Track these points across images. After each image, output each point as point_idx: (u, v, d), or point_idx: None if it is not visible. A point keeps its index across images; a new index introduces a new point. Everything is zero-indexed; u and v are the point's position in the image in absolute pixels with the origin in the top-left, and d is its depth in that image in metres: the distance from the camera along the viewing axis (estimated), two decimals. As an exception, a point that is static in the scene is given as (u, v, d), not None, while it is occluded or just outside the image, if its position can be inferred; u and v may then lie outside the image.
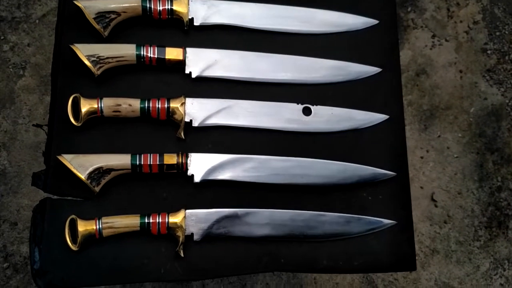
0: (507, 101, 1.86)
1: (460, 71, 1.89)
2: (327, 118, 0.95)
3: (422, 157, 1.76)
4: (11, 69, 1.68)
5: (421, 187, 1.75)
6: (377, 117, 0.97)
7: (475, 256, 1.72)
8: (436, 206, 1.74)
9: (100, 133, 0.90)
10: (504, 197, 1.77)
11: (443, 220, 1.74)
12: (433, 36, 1.90)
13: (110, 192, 0.88)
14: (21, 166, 1.59)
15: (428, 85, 1.86)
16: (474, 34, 1.92)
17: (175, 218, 0.86)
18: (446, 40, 1.91)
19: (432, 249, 1.71)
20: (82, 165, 0.84)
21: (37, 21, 1.73)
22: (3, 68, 1.67)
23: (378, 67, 1.00)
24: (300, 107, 0.95)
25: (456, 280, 1.70)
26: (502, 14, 1.94)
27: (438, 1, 1.93)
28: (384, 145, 0.97)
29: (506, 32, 1.93)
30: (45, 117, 1.63)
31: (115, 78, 0.93)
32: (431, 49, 1.89)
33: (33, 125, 0.95)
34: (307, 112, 0.95)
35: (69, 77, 0.92)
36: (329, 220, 0.91)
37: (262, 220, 0.89)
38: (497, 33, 1.92)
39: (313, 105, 0.95)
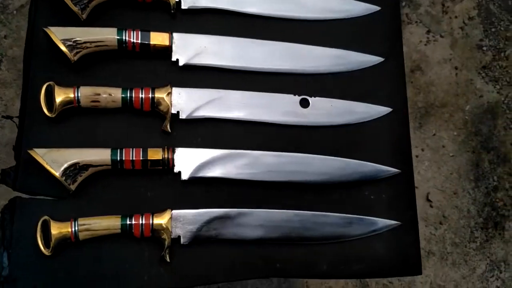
0: (502, 98, 1.82)
1: (456, 68, 1.84)
2: (326, 110, 0.88)
3: (417, 156, 1.70)
4: (-15, 62, 1.58)
5: (416, 187, 1.69)
6: (380, 110, 0.90)
7: (471, 258, 1.67)
8: (431, 206, 1.69)
9: (77, 125, 0.82)
10: (500, 197, 1.73)
11: (439, 221, 1.69)
12: (428, 32, 1.85)
13: (88, 191, 0.80)
14: (-5, 165, 1.48)
15: (423, 82, 1.80)
16: (469, 30, 1.88)
17: (160, 220, 0.78)
18: (441, 36, 1.86)
19: (428, 251, 1.66)
20: (56, 160, 0.75)
21: (14, 11, 1.64)
22: (-23, 60, 1.57)
23: (380, 56, 0.93)
24: (297, 98, 0.88)
25: (452, 283, 1.65)
26: (498, 10, 1.90)
27: (432, -4, 1.88)
28: (387, 140, 0.90)
29: (502, 29, 1.89)
30: (22, 112, 1.54)
31: (93, 65, 0.84)
32: (425, 45, 1.84)
33: (2, 116, 0.85)
34: (304, 104, 0.88)
35: (43, 64, 0.83)
36: (328, 221, 0.83)
37: (255, 221, 0.81)
38: (493, 29, 1.88)
39: (311, 97, 0.88)
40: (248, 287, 1.51)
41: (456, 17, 1.88)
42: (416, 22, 1.85)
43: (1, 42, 1.60)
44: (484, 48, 1.87)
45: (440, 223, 1.68)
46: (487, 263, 1.67)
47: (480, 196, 1.72)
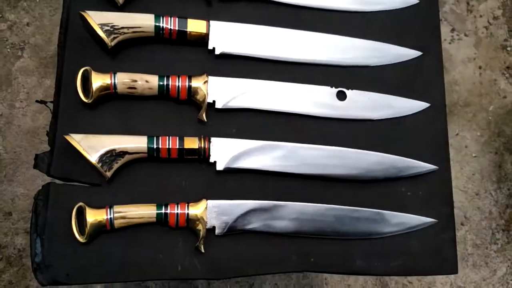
0: (526, 100, 1.79)
1: (480, 67, 1.81)
2: (363, 104, 0.86)
3: (440, 155, 1.68)
4: (8, 50, 1.58)
5: (438, 187, 1.67)
6: (417, 105, 0.88)
7: (492, 260, 1.65)
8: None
9: (113, 112, 0.80)
10: (523, 199, 1.70)
11: (460, 221, 1.66)
12: (452, 30, 1.83)
13: (123, 179, 0.78)
14: (17, 153, 1.49)
15: (446, 80, 1.75)
16: (494, 29, 1.85)
17: (196, 210, 0.76)
18: (466, 35, 1.83)
19: (448, 252, 1.63)
20: (92, 146, 0.74)
21: (37, -1, 1.62)
22: (0, 48, 1.56)
23: (418, 50, 0.91)
24: (334, 90, 0.86)
25: (472, 285, 1.63)
26: (523, 10, 1.87)
27: (457, -6, 1.86)
28: (424, 135, 0.88)
29: (527, 29, 1.86)
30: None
31: (130, 51, 0.83)
32: (450, 43, 1.82)
33: (37, 101, 0.85)
34: (341, 96, 0.86)
35: (78, 48, 0.82)
36: (363, 216, 0.82)
37: (290, 214, 0.80)
38: (517, 30, 1.85)
39: (348, 89, 0.86)
40: (267, 283, 1.49)
41: (480, 16, 1.86)
42: (441, 20, 1.82)
43: (23, 29, 1.59)
44: (509, 49, 1.84)
45: (462, 224, 1.66)
46: (508, 266, 1.65)
47: (502, 198, 1.70)
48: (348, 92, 0.86)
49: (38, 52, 1.58)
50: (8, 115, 1.51)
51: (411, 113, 0.88)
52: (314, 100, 0.85)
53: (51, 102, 0.82)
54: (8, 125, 1.50)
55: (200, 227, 0.76)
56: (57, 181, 0.78)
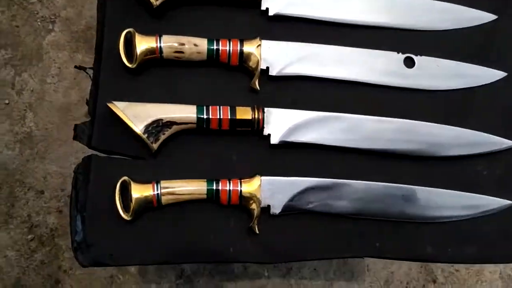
0: None
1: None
2: (433, 72, 0.77)
3: None
4: (39, 23, 1.52)
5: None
6: (493, 74, 0.79)
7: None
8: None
9: (158, 78, 0.73)
10: None
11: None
12: None
13: (169, 151, 0.72)
14: (48, 130, 1.44)
15: None
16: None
17: (249, 186, 0.69)
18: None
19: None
20: (137, 116, 0.67)
21: (68, -30, 1.56)
22: (30, 21, 1.51)
23: (493, 13, 0.81)
24: (401, 57, 0.77)
25: (523, 274, 1.53)
26: None
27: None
28: (500, 108, 0.79)
29: None
30: (76, 76, 1.48)
31: (176, 13, 0.75)
32: None
33: (75, 67, 0.78)
34: (409, 63, 0.77)
35: (120, 9, 0.75)
36: (435, 197, 0.73)
37: (353, 193, 0.72)
38: None
39: (416, 55, 0.77)
40: (306, 267, 1.43)
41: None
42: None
43: (54, 2, 1.53)
44: None
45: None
46: None
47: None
48: (417, 59, 0.77)
49: (69, 25, 1.52)
50: (39, 91, 1.46)
51: (485, 82, 0.79)
52: (378, 67, 0.76)
53: (90, 68, 0.75)
54: (39, 101, 1.45)
55: (254, 205, 0.69)
56: (99, 154, 0.71)
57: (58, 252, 1.37)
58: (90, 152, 0.72)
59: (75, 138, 0.71)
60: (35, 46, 1.49)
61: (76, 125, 0.72)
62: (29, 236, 1.36)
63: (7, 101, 1.44)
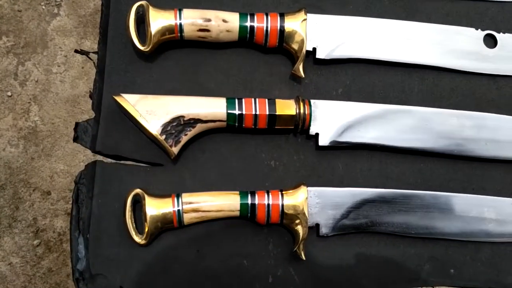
0: None
1: None
2: (520, 53, 0.62)
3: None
4: (43, 7, 1.40)
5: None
6: None
7: None
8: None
9: (178, 64, 0.59)
10: None
11: None
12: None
13: (193, 156, 0.57)
14: (55, 124, 1.32)
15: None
16: None
17: (293, 199, 0.54)
18: None
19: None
20: (153, 111, 0.53)
21: (74, -51, 1.42)
22: (33, 5, 1.39)
23: None
24: (481, 34, 0.62)
25: None
26: None
27: None
28: None
29: None
30: (84, 65, 1.34)
31: (198, -18, 0.61)
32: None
33: (76, 51, 0.64)
34: (490, 42, 0.62)
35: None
36: (525, 211, 0.58)
37: (421, 207, 0.58)
38: None
39: (499, 33, 0.62)
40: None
41: None
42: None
43: (60, -17, 1.40)
44: None
45: None
46: None
47: None
48: (499, 36, 0.62)
49: (76, 9, 1.39)
50: (45, 82, 1.34)
51: None
52: (453, 46, 0.62)
53: (94, 53, 0.61)
54: (44, 92, 1.33)
55: (299, 224, 0.55)
56: (105, 159, 0.57)
57: (67, 258, 1.26)
58: (95, 157, 0.58)
59: (75, 139, 0.57)
60: (39, 33, 1.37)
61: (77, 124, 0.58)
62: (35, 242, 1.25)
63: (9, 93, 1.32)
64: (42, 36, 1.37)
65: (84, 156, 1.27)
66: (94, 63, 0.60)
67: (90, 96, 0.59)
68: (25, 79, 1.33)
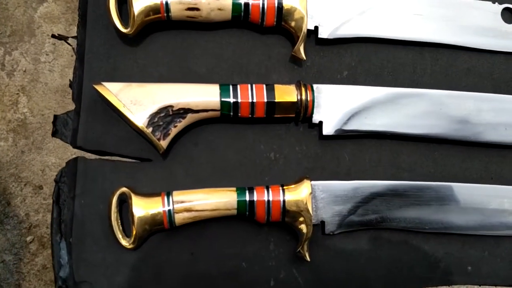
0: None
1: None
2: (542, 28, 0.56)
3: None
4: (29, -7, 1.33)
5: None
6: None
7: None
8: None
9: (165, 48, 0.54)
10: None
11: None
12: None
13: (184, 149, 0.52)
14: (45, 116, 1.27)
15: None
16: None
17: (296, 195, 0.49)
18: None
19: None
20: (138, 101, 0.48)
21: None
22: (19, -9, 1.32)
23: None
24: (498, 8, 0.56)
25: None
26: None
27: None
28: None
29: None
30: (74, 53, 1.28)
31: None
32: None
33: (53, 36, 0.58)
34: (508, 16, 0.56)
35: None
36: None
37: (436, 200, 0.53)
38: None
39: (518, 6, 0.56)
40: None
41: None
42: None
43: (46, -32, 1.34)
44: None
45: None
46: None
47: None
48: (519, 11, 0.56)
49: (64, -6, 1.33)
50: (33, 71, 1.28)
51: None
52: (468, 22, 0.56)
53: (74, 37, 0.55)
54: (33, 83, 1.28)
55: (302, 222, 0.50)
56: (88, 155, 0.52)
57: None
58: (78, 152, 0.53)
59: (54, 134, 0.52)
60: (26, 20, 1.31)
61: (55, 116, 0.53)
62: (28, 238, 1.21)
63: (-4, 84, 1.27)
64: (29, 23, 1.31)
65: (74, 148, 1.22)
66: (73, 49, 0.55)
67: (70, 86, 0.54)
68: (12, 69, 1.28)
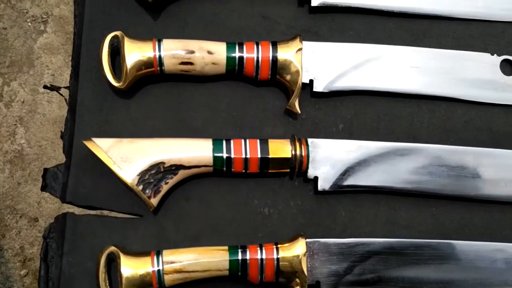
0: None
1: None
2: (542, 81, 0.55)
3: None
4: (29, 24, 1.35)
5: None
6: None
7: None
8: None
9: (158, 102, 0.53)
10: None
11: None
12: None
13: (175, 206, 0.51)
14: (42, 147, 1.26)
15: None
16: None
17: (289, 252, 0.48)
18: None
19: None
20: (128, 158, 0.47)
21: (61, -37, 1.37)
22: (19, 22, 1.34)
23: None
24: (497, 60, 0.55)
25: None
26: None
27: None
28: None
29: None
30: (72, 84, 1.29)
31: (179, 7, 0.54)
32: None
33: (45, 87, 0.59)
34: (508, 68, 0.55)
35: (103, 6, 0.54)
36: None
37: (436, 258, 0.51)
38: None
39: (517, 58, 0.56)
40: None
41: None
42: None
43: None
44: None
45: None
46: None
47: None
48: (518, 63, 0.56)
49: (63, 25, 1.34)
50: (31, 102, 1.28)
51: None
52: (466, 74, 0.55)
53: (66, 87, 0.54)
54: (31, 114, 1.28)
55: (297, 284, 0.48)
56: (77, 210, 0.51)
57: (56, 289, 1.19)
58: (67, 207, 0.52)
59: (43, 188, 0.51)
60: (25, 51, 1.32)
61: (45, 170, 0.51)
62: (23, 272, 1.19)
63: (-6, 115, 1.27)
64: (29, 54, 1.31)
65: (63, 204, 1.22)
66: (65, 99, 0.54)
67: (61, 137, 0.53)
68: (10, 100, 1.28)
